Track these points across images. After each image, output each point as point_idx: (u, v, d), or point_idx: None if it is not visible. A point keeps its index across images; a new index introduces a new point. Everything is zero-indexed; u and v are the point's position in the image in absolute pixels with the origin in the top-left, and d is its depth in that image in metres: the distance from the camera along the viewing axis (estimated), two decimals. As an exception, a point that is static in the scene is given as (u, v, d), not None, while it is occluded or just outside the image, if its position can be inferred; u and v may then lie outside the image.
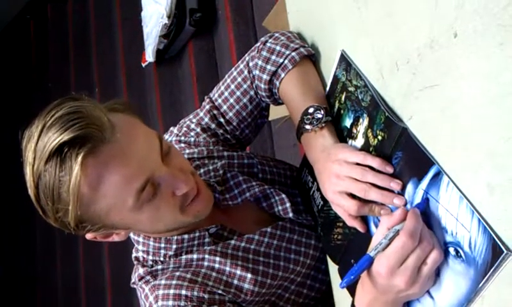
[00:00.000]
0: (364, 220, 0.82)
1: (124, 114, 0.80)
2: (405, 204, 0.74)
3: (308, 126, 0.86)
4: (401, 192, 0.74)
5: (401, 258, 0.67)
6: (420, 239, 0.67)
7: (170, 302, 0.86)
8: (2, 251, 3.55)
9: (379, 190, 0.76)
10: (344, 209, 0.80)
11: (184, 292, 0.86)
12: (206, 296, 0.87)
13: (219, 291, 0.89)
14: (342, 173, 0.79)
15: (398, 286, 0.68)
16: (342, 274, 0.89)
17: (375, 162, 0.76)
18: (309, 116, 0.87)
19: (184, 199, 0.82)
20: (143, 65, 2.70)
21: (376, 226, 0.80)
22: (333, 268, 0.93)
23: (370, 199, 0.77)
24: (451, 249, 0.67)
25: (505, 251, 0.60)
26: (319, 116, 0.86)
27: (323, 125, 0.85)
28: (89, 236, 0.83)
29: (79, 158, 0.71)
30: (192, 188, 0.83)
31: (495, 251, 0.61)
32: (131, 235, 0.93)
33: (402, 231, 0.67)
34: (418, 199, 0.71)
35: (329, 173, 0.80)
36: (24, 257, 3.45)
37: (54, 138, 0.72)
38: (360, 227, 0.81)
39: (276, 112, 1.13)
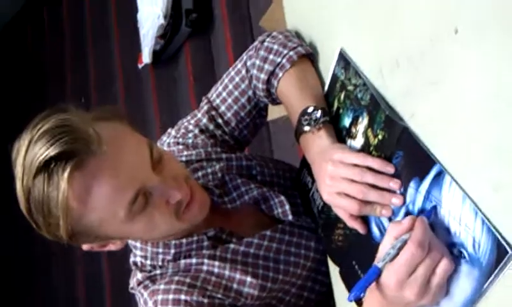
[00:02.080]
0: (365, 221, 0.80)
1: (112, 122, 0.79)
2: (403, 204, 0.73)
3: (305, 127, 0.85)
4: (403, 192, 0.73)
5: (410, 269, 0.65)
6: (429, 249, 0.65)
7: None
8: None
9: (377, 190, 0.75)
10: (345, 209, 0.79)
11: (183, 297, 0.85)
12: (205, 300, 0.85)
13: (219, 296, 0.87)
14: (337, 174, 0.78)
15: (407, 298, 0.66)
16: (345, 277, 0.88)
17: (375, 162, 0.75)
18: (306, 117, 0.86)
19: (179, 206, 0.81)
20: (140, 66, 2.69)
21: (378, 227, 0.78)
22: (334, 270, 0.92)
23: (369, 200, 0.76)
24: (455, 250, 0.66)
25: (510, 252, 0.59)
26: (317, 116, 0.84)
27: (321, 125, 0.84)
28: (85, 247, 0.83)
29: (66, 174, 0.71)
30: (186, 194, 0.81)
31: (500, 252, 0.60)
32: (128, 240, 0.91)
33: (410, 241, 0.65)
34: (420, 199, 0.70)
35: (323, 174, 0.80)
36: (21, 263, 3.43)
37: (40, 153, 0.71)
38: (360, 228, 0.80)
39: (273, 113, 1.12)
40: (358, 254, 0.84)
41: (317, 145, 0.84)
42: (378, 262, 0.68)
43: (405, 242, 0.66)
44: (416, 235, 0.65)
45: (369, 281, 0.68)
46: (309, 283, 0.97)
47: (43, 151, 0.71)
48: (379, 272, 0.67)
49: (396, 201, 0.74)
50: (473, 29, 0.63)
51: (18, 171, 0.74)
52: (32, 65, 3.71)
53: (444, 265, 0.65)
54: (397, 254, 0.66)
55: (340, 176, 0.77)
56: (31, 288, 3.35)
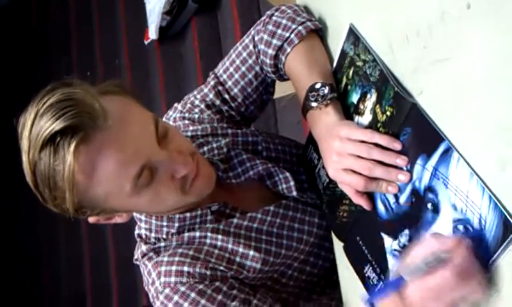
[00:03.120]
0: (370, 197, 0.81)
1: (118, 95, 0.79)
2: (410, 181, 0.73)
3: (313, 104, 0.85)
4: (409, 169, 0.73)
5: (439, 295, 0.62)
6: (468, 277, 0.61)
7: (172, 279, 0.86)
8: (5, 232, 3.57)
9: (384, 166, 0.75)
10: (351, 185, 0.79)
11: (186, 268, 0.86)
12: (208, 272, 0.86)
13: (221, 268, 0.88)
14: (344, 150, 0.78)
15: None
16: (349, 252, 0.89)
17: (382, 139, 0.75)
18: (314, 93, 0.85)
19: (184, 181, 0.81)
20: (146, 43, 2.68)
21: (383, 203, 0.79)
22: (338, 246, 0.92)
23: (376, 176, 0.76)
24: (460, 227, 0.66)
25: (516, 228, 0.59)
26: (324, 92, 0.84)
27: (328, 101, 0.84)
28: (91, 219, 0.83)
29: (71, 148, 0.71)
30: (191, 169, 0.81)
31: (506, 227, 0.60)
32: (133, 213, 0.92)
33: (450, 267, 0.61)
34: (427, 176, 0.70)
35: (330, 150, 0.80)
36: (27, 235, 3.47)
37: (46, 127, 0.71)
38: (366, 205, 0.80)
39: (280, 90, 1.11)
40: (362, 231, 0.85)
41: (324, 121, 0.84)
42: (406, 272, 0.64)
43: (441, 261, 0.62)
44: (458, 262, 0.61)
45: (392, 290, 0.64)
46: (311, 258, 0.98)
47: (48, 125, 0.71)
48: (404, 284, 0.64)
49: (402, 177, 0.74)
50: (485, 4, 0.62)
51: (25, 144, 0.74)
52: (37, 39, 3.70)
53: (476, 295, 0.62)
54: (427, 270, 0.62)
55: (347, 152, 0.77)
56: (35, 261, 3.39)
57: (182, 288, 0.85)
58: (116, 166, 0.75)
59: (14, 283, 3.41)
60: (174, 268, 0.86)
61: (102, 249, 2.89)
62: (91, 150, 0.73)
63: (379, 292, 0.65)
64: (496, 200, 0.61)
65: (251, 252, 0.90)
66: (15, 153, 0.79)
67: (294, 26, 0.92)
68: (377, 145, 0.76)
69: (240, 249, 0.90)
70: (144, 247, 0.92)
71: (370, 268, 0.83)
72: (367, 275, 0.83)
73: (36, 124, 0.72)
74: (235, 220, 0.92)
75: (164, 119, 1.02)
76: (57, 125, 0.71)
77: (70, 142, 0.71)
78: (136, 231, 0.95)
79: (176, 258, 0.87)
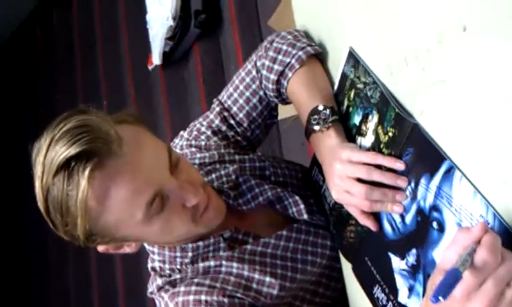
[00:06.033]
0: (376, 217, 0.81)
1: (133, 125, 0.80)
2: (415, 200, 0.73)
3: (315, 127, 0.86)
4: (414, 188, 0.74)
5: (480, 279, 0.56)
6: (503, 257, 0.57)
7: None
8: (14, 257, 3.58)
9: (381, 189, 0.76)
10: (356, 206, 0.80)
11: (203, 297, 0.86)
12: (226, 300, 0.86)
13: (239, 295, 0.88)
14: (344, 173, 0.79)
15: None
16: (358, 273, 0.89)
17: (386, 160, 0.76)
18: (316, 116, 0.86)
19: (195, 211, 0.82)
20: (150, 68, 2.71)
21: (390, 223, 0.79)
22: (347, 267, 0.93)
23: (373, 199, 0.77)
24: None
25: (521, 245, 0.59)
26: (326, 115, 0.85)
27: (329, 124, 0.85)
28: (100, 248, 0.83)
29: (86, 173, 0.71)
30: (202, 200, 0.82)
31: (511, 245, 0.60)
32: (145, 245, 0.92)
33: (481, 246, 0.56)
34: (431, 195, 0.71)
35: (332, 173, 0.81)
36: (36, 262, 3.47)
37: (61, 152, 0.72)
38: (372, 225, 0.81)
39: (283, 112, 1.13)
40: (370, 251, 0.85)
41: (327, 144, 0.85)
42: (456, 265, 0.56)
43: (474, 250, 0.57)
44: (488, 240, 0.57)
45: (452, 285, 0.56)
46: (324, 280, 0.98)
47: (63, 150, 0.72)
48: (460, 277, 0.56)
49: (399, 197, 0.75)
50: (481, 26, 0.63)
51: (38, 169, 0.74)
52: (42, 67, 3.75)
53: None
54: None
55: (346, 175, 0.78)
56: (44, 289, 3.38)
57: None
58: (128, 194, 0.75)
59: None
60: (191, 297, 0.86)
61: (110, 277, 2.89)
62: (105, 177, 0.73)
63: (440, 291, 0.56)
64: (500, 218, 0.62)
65: (268, 279, 0.90)
66: (27, 179, 0.80)
67: (294, 51, 0.94)
68: (379, 167, 0.77)
69: (256, 276, 0.90)
70: (159, 281, 0.92)
71: (379, 288, 0.83)
72: (376, 296, 0.84)
73: (51, 149, 0.73)
74: (249, 247, 0.92)
75: (170, 147, 1.03)
76: (72, 150, 0.71)
77: (84, 167, 0.71)
78: (149, 264, 0.95)
79: (193, 288, 0.87)
